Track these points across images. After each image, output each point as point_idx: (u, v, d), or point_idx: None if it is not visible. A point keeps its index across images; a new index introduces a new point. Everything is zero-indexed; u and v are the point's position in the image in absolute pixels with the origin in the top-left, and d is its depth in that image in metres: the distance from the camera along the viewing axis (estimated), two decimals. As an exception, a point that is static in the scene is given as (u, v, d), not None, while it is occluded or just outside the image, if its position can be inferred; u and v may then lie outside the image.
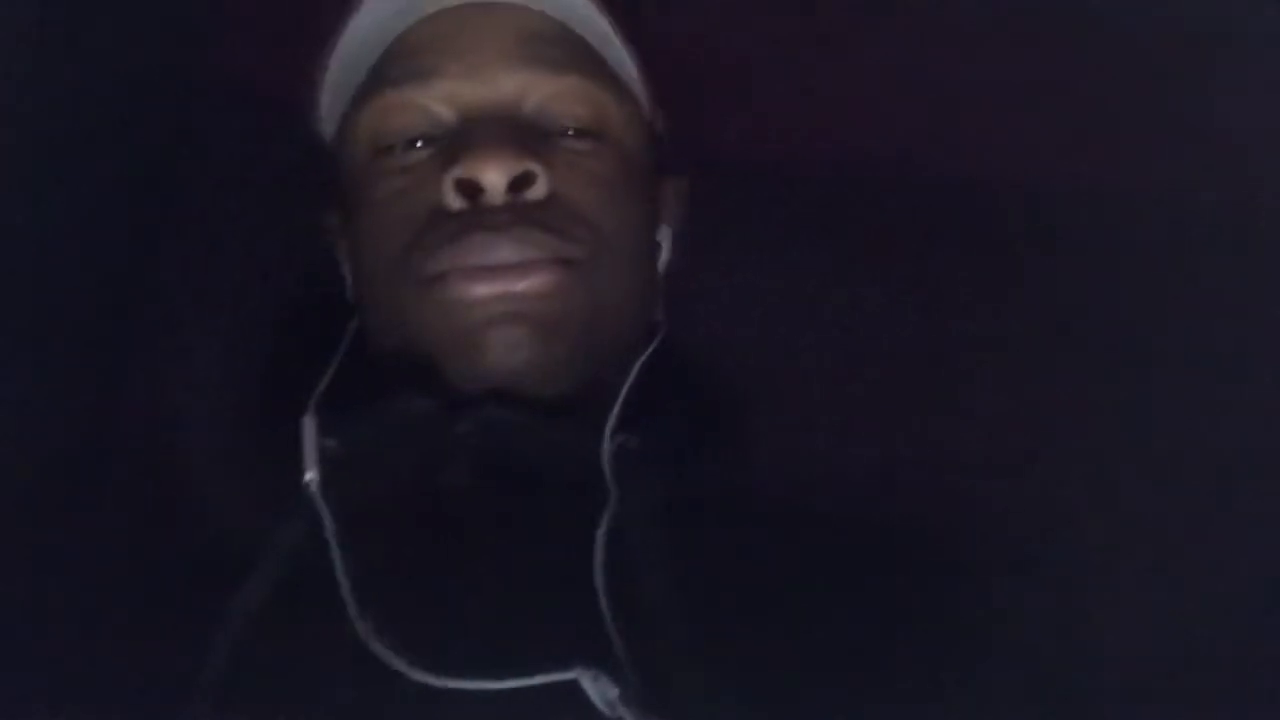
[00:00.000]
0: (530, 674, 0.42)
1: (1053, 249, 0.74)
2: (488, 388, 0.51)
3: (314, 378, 0.56)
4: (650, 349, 0.57)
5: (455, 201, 0.51)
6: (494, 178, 0.51)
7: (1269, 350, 0.69)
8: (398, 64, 0.55)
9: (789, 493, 0.56)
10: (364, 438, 0.52)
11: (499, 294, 0.51)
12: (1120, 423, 0.71)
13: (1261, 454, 0.67)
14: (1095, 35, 0.71)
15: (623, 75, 0.58)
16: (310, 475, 0.50)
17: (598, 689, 0.42)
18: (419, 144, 0.54)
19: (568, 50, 0.55)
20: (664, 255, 0.61)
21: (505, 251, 0.51)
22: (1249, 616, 0.62)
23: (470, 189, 0.51)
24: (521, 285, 0.51)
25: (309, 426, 0.51)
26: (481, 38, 0.54)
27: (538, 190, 0.52)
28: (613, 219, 0.54)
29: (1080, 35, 0.71)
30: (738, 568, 0.48)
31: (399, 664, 0.43)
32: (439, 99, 0.54)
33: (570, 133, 0.55)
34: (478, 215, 0.51)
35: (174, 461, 0.58)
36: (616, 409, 0.53)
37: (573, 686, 0.42)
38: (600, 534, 0.47)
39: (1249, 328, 0.70)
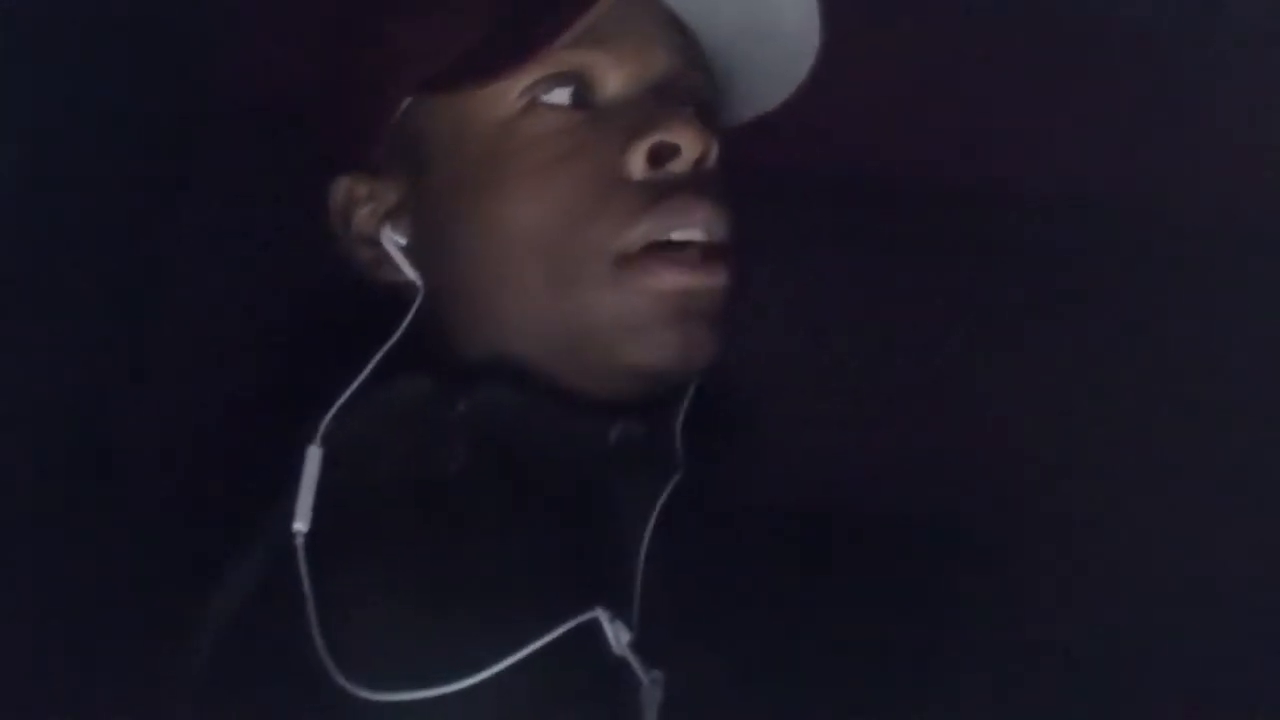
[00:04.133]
0: (551, 621, 0.44)
1: (1061, 257, 0.76)
2: (618, 388, 0.51)
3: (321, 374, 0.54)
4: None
5: (640, 169, 0.50)
6: (691, 145, 0.50)
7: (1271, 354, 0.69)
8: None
9: (792, 489, 0.56)
10: (361, 420, 0.50)
11: (694, 288, 0.50)
12: (1123, 426, 0.72)
13: (1263, 458, 0.68)
14: (1116, 44, 0.72)
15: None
16: (299, 526, 0.48)
17: (614, 630, 0.44)
18: (581, 107, 0.52)
19: (697, 48, 0.56)
20: None
21: (701, 218, 0.50)
22: (1249, 616, 0.63)
23: (663, 156, 0.50)
24: (714, 277, 0.51)
25: (313, 458, 0.49)
26: (648, 19, 0.53)
27: (711, 162, 0.51)
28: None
29: (1101, 44, 0.72)
30: (740, 558, 0.49)
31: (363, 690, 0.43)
32: (610, 66, 0.52)
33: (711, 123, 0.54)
34: (668, 183, 0.50)
35: (175, 465, 0.57)
36: (686, 400, 0.53)
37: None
38: (656, 510, 0.48)
39: (1259, 336, 0.71)
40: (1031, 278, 0.76)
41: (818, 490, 0.56)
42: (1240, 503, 0.68)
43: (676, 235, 0.50)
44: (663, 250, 0.50)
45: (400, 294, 0.55)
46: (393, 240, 0.55)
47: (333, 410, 0.50)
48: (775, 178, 0.69)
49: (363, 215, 0.56)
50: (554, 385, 0.51)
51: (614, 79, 0.52)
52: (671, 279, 0.50)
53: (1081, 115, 0.75)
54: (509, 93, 0.51)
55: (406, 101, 0.54)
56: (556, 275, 0.50)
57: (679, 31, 0.54)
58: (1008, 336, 0.75)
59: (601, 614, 0.45)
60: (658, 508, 0.49)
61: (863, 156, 0.74)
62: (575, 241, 0.50)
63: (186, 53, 0.70)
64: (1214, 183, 0.75)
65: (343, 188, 0.56)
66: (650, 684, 0.43)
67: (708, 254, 0.51)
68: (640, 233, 0.50)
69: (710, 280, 0.51)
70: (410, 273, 0.54)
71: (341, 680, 0.43)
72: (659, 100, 0.51)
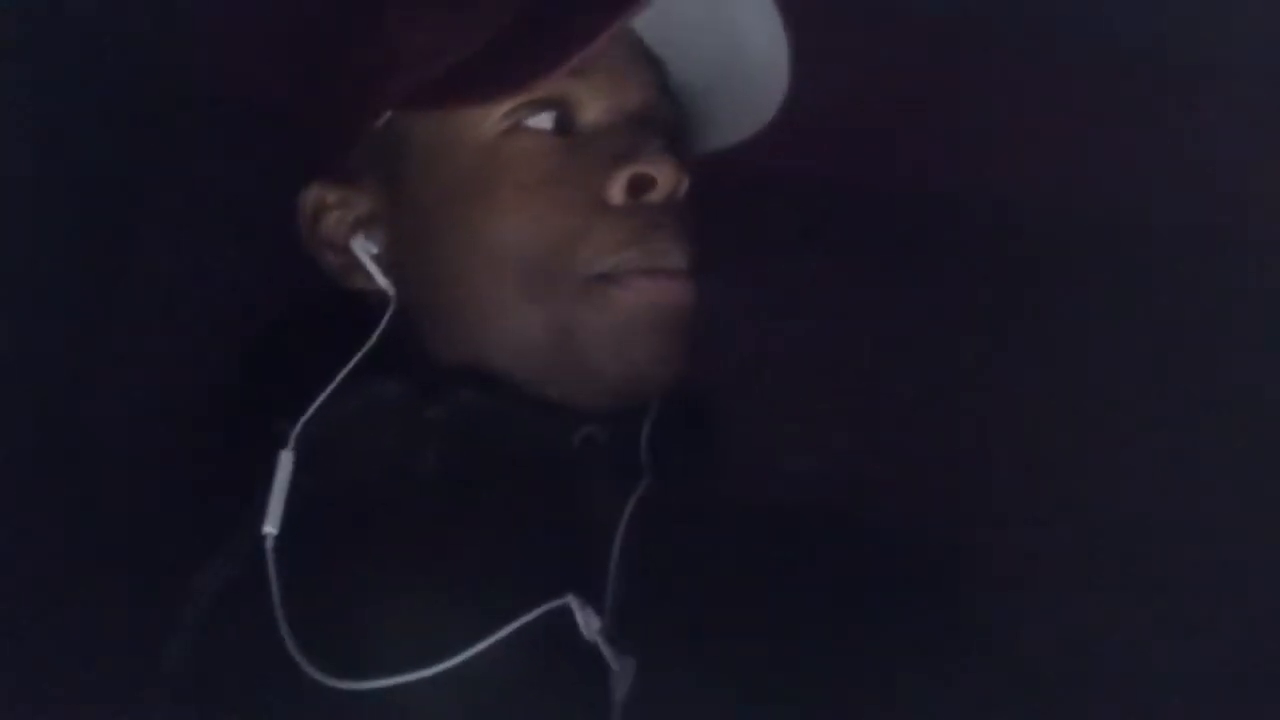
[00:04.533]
0: (521, 612, 0.45)
1: (1051, 264, 0.76)
2: (597, 400, 0.52)
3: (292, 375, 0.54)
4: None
5: (619, 196, 0.52)
6: (669, 178, 0.52)
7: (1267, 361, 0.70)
8: None
9: (760, 491, 0.57)
10: (332, 423, 0.51)
11: (667, 302, 0.53)
12: (1113, 429, 0.73)
13: (1263, 465, 0.69)
14: (1102, 59, 0.73)
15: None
16: (269, 529, 0.48)
17: (584, 616, 0.45)
18: (562, 133, 0.54)
19: (664, 77, 0.58)
20: None
21: (677, 256, 0.53)
22: (1246, 625, 0.64)
23: (641, 186, 0.52)
24: (685, 294, 0.53)
25: (284, 463, 0.50)
26: (626, 52, 0.55)
27: (680, 195, 0.54)
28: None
29: (1088, 59, 0.73)
30: (709, 559, 0.50)
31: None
32: (591, 96, 0.54)
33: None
34: (646, 214, 0.53)
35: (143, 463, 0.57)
36: (652, 409, 0.54)
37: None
38: (628, 510, 0.49)
39: (1255, 342, 0.72)
40: (1019, 284, 0.77)
41: (790, 493, 0.57)
42: (1243, 510, 0.69)
43: (645, 261, 0.52)
44: (632, 276, 0.52)
45: (367, 301, 0.55)
46: (364, 248, 0.56)
47: (305, 416, 0.51)
48: (763, 182, 0.70)
49: (331, 221, 0.57)
50: (524, 392, 0.52)
51: (593, 108, 0.54)
52: (648, 294, 0.52)
53: (1072, 124, 0.76)
54: (492, 114, 0.53)
55: (387, 114, 0.55)
56: (536, 289, 0.52)
57: (652, 64, 0.57)
58: (995, 342, 0.76)
59: (573, 600, 0.45)
60: (629, 508, 0.50)
61: (851, 162, 0.75)
62: (557, 259, 0.52)
63: (169, 44, 0.69)
64: (1204, 192, 0.75)
65: (313, 193, 0.57)
66: (620, 670, 0.44)
67: (678, 277, 0.53)
68: (623, 259, 0.52)
69: (682, 298, 0.53)
70: (382, 281, 0.55)
71: (313, 672, 0.44)
72: (637, 131, 0.54)
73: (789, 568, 0.51)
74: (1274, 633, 0.64)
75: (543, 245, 0.52)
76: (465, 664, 0.44)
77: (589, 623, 0.45)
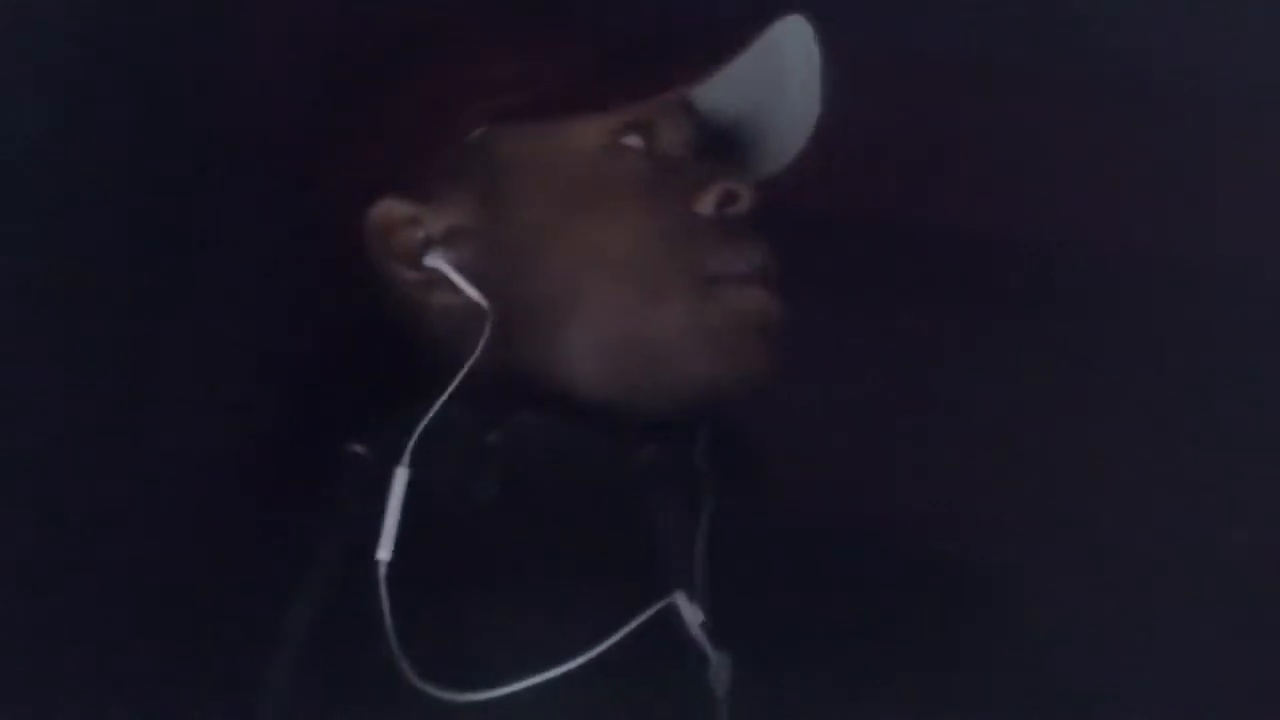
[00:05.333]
0: (603, 627, 0.45)
1: (1068, 300, 0.80)
2: (673, 403, 0.55)
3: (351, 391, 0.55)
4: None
5: (709, 209, 0.57)
6: (749, 195, 0.58)
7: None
8: None
9: (807, 516, 0.57)
10: (394, 446, 0.51)
11: (768, 308, 0.57)
12: (1125, 459, 0.75)
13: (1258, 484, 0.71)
14: (1121, 95, 0.76)
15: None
16: (383, 555, 0.49)
17: (690, 612, 0.46)
18: (647, 154, 0.58)
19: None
20: None
21: (773, 264, 0.58)
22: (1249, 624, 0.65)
23: (727, 201, 0.57)
24: (778, 305, 0.57)
25: (400, 479, 0.50)
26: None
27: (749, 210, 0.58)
28: None
29: (1105, 95, 0.76)
30: (777, 571, 0.51)
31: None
32: (672, 121, 0.59)
33: None
34: (735, 225, 0.57)
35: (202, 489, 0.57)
36: (705, 428, 0.55)
37: None
38: (702, 523, 0.50)
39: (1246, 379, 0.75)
40: (1039, 319, 0.80)
41: (835, 518, 0.57)
42: (1237, 525, 0.71)
43: (740, 266, 0.57)
44: (729, 282, 0.56)
45: (426, 318, 0.57)
46: (436, 260, 0.56)
47: (415, 434, 0.51)
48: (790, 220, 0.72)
49: (404, 238, 0.57)
50: (592, 403, 0.54)
51: (669, 134, 0.59)
52: (754, 298, 0.56)
53: (1084, 165, 0.80)
54: (591, 132, 0.57)
55: (477, 131, 0.57)
56: (648, 291, 0.55)
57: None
58: (1020, 374, 0.78)
59: (680, 597, 0.46)
60: (702, 522, 0.50)
61: (878, 203, 0.79)
62: (666, 261, 0.56)
63: (224, 61, 0.70)
64: (1214, 230, 0.78)
65: (382, 209, 0.57)
66: (719, 665, 0.45)
67: (768, 283, 0.57)
68: (722, 259, 0.56)
69: (778, 304, 0.57)
70: (474, 294, 0.56)
71: (431, 689, 0.45)
72: (712, 154, 0.60)
73: (852, 578, 0.51)
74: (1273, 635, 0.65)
75: (649, 248, 0.56)
76: (569, 673, 0.44)
77: (693, 619, 0.46)
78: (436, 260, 0.56)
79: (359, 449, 0.52)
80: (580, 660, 0.44)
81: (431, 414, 0.51)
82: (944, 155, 0.80)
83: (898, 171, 0.80)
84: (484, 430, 0.52)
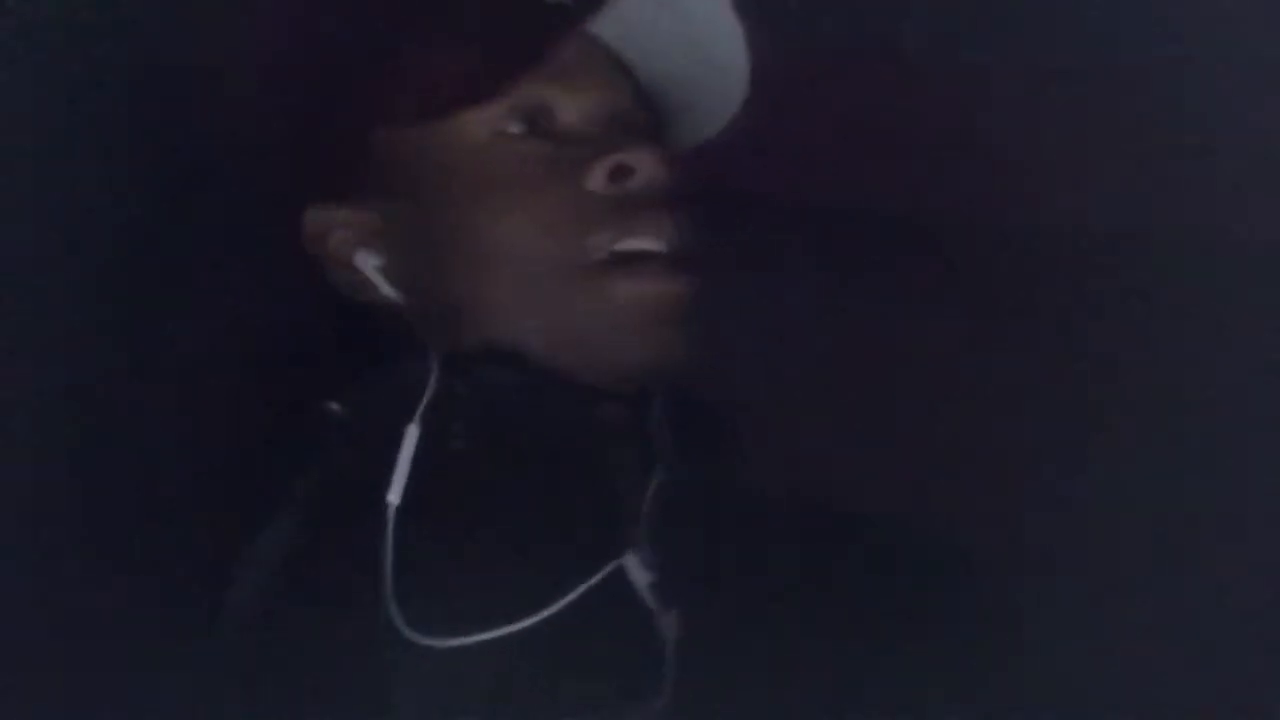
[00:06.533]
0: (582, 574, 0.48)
1: (1040, 280, 0.80)
2: (612, 379, 0.55)
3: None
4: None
5: (600, 185, 0.55)
6: (649, 166, 0.55)
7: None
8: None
9: (772, 486, 0.59)
10: (365, 400, 0.54)
11: (654, 295, 0.54)
12: (1106, 438, 0.76)
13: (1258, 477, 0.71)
14: (1101, 74, 0.77)
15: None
16: (392, 498, 0.51)
17: (639, 574, 0.50)
18: (542, 136, 0.57)
19: (636, 82, 0.62)
20: None
21: (665, 237, 0.55)
22: (1245, 620, 0.66)
23: (621, 175, 0.55)
24: (672, 288, 0.55)
25: (410, 435, 0.52)
26: (592, 55, 0.59)
27: (666, 184, 0.56)
28: None
29: (1085, 75, 0.77)
30: (725, 537, 0.53)
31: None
32: (570, 101, 0.58)
33: None
34: (630, 199, 0.55)
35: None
36: (660, 396, 0.56)
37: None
38: (650, 491, 0.53)
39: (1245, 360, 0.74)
40: (1003, 293, 0.81)
41: (797, 489, 0.59)
42: (1231, 515, 0.71)
43: (634, 244, 0.55)
44: (625, 264, 0.55)
45: (378, 311, 0.59)
46: (368, 262, 0.58)
47: (425, 397, 0.53)
48: (767, 201, 0.74)
49: (336, 241, 0.59)
50: (546, 366, 0.55)
51: (569, 111, 0.58)
52: (631, 290, 0.54)
53: (1064, 145, 0.80)
54: (476, 124, 0.57)
55: (380, 134, 0.59)
56: (530, 283, 0.55)
57: (623, 70, 0.61)
58: (993, 348, 0.79)
59: (629, 557, 0.49)
60: (651, 488, 0.53)
61: (854, 182, 0.79)
62: (544, 250, 0.55)
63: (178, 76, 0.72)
64: (1195, 211, 0.79)
65: (312, 214, 0.60)
66: (666, 622, 0.49)
67: (670, 264, 0.55)
68: (602, 239, 0.55)
69: (671, 287, 0.55)
70: (389, 290, 0.58)
71: (408, 631, 0.47)
72: (613, 127, 0.58)
73: (803, 550, 0.54)
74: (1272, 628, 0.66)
75: (528, 236, 0.55)
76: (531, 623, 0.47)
77: (642, 579, 0.49)
78: (363, 261, 0.58)
79: (335, 406, 0.54)
80: (537, 617, 0.47)
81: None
82: (908, 135, 0.80)
83: (867, 152, 0.80)
84: (452, 384, 0.54)
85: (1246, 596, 0.67)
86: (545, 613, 0.47)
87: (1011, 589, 0.57)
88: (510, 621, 0.47)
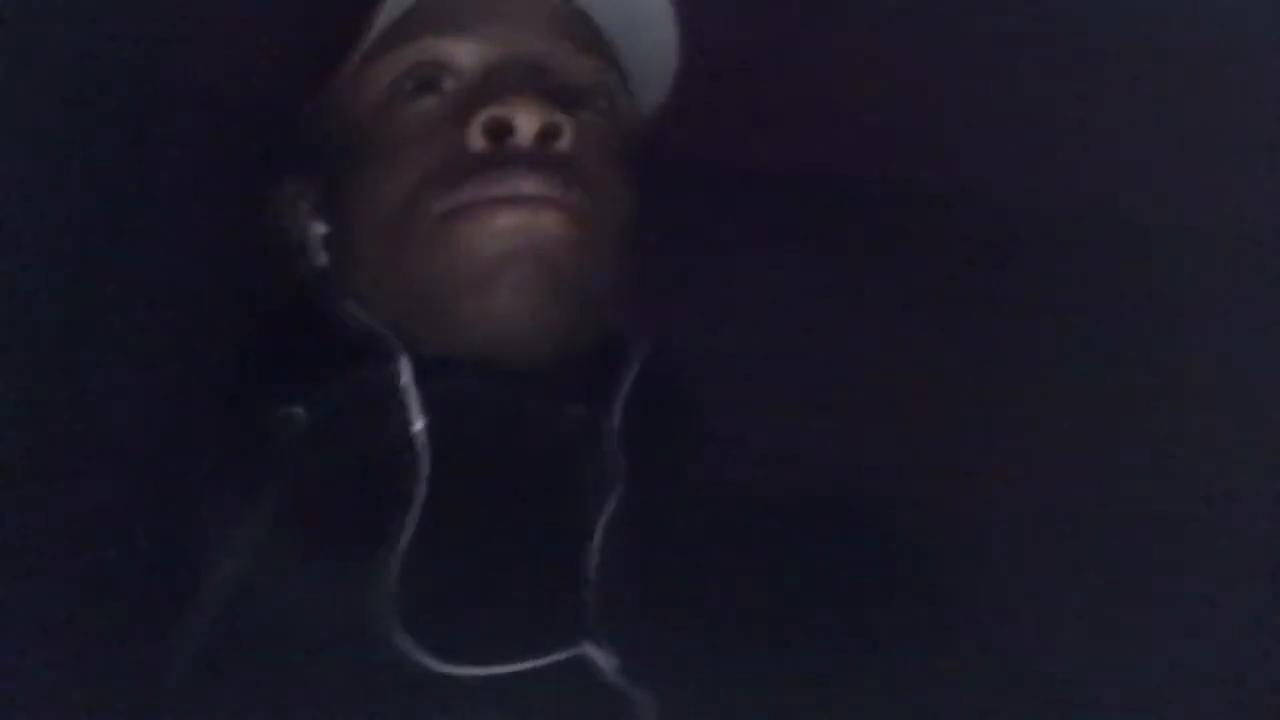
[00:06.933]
0: (540, 654, 0.45)
1: (1023, 259, 0.79)
2: (470, 350, 0.52)
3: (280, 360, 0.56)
4: (645, 346, 0.57)
5: (479, 142, 0.52)
6: (527, 121, 0.51)
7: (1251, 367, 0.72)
8: (435, 15, 0.55)
9: (743, 480, 0.59)
10: (329, 406, 0.51)
11: (518, 225, 0.50)
12: (1087, 424, 0.75)
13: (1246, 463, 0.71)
14: (1092, 55, 0.75)
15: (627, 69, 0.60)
16: (418, 425, 0.50)
17: (604, 660, 0.45)
18: (437, 93, 0.55)
19: (591, 34, 0.58)
20: None
21: (530, 185, 0.50)
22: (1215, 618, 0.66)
23: (500, 131, 0.51)
24: (543, 219, 0.50)
25: (405, 367, 0.51)
26: (518, 7, 0.56)
27: (563, 144, 0.52)
28: (617, 194, 0.56)
29: (1078, 55, 0.76)
30: (701, 551, 0.51)
31: (410, 648, 0.45)
32: (470, 53, 0.54)
33: (586, 108, 0.56)
34: (506, 156, 0.51)
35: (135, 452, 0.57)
36: (621, 393, 0.53)
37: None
38: (604, 516, 0.49)
39: (1235, 347, 0.74)
40: (988, 274, 0.80)
41: (769, 482, 0.58)
42: (1243, 510, 0.71)
43: (498, 191, 0.51)
44: (486, 207, 0.51)
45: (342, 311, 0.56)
46: (315, 230, 0.58)
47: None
48: (745, 174, 0.73)
49: (294, 212, 0.60)
50: (425, 352, 0.52)
51: (475, 65, 0.54)
52: (494, 219, 0.50)
53: (1055, 117, 0.79)
54: (375, 84, 0.55)
55: (308, 107, 0.59)
56: (391, 242, 0.53)
57: (564, 17, 0.57)
58: (970, 331, 0.78)
59: (588, 647, 0.46)
60: (609, 501, 0.50)
61: (831, 155, 0.77)
62: (408, 209, 0.52)
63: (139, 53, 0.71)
64: (1181, 188, 0.78)
65: (279, 188, 0.61)
66: (642, 704, 0.45)
67: (541, 204, 0.51)
68: (465, 193, 0.51)
69: (542, 220, 0.51)
70: (319, 259, 0.58)
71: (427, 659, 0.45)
72: (513, 78, 0.53)
73: (769, 558, 0.52)
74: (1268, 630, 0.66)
75: (395, 197, 0.52)
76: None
77: (608, 665, 0.46)
78: (314, 231, 0.58)
79: (297, 410, 0.52)
80: (495, 671, 0.44)
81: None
82: (884, 105, 0.79)
83: (838, 120, 0.79)
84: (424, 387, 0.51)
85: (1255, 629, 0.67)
86: (497, 668, 0.44)
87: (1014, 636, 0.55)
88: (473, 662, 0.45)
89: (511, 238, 0.51)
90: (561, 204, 0.51)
